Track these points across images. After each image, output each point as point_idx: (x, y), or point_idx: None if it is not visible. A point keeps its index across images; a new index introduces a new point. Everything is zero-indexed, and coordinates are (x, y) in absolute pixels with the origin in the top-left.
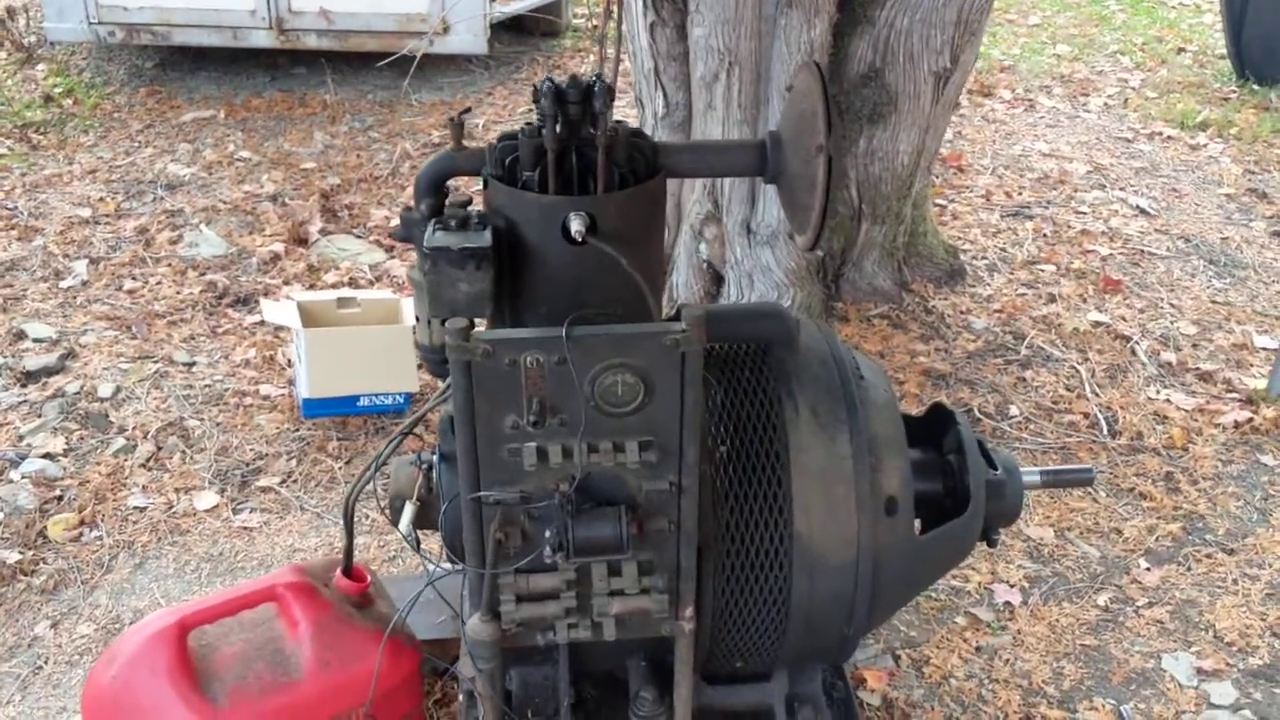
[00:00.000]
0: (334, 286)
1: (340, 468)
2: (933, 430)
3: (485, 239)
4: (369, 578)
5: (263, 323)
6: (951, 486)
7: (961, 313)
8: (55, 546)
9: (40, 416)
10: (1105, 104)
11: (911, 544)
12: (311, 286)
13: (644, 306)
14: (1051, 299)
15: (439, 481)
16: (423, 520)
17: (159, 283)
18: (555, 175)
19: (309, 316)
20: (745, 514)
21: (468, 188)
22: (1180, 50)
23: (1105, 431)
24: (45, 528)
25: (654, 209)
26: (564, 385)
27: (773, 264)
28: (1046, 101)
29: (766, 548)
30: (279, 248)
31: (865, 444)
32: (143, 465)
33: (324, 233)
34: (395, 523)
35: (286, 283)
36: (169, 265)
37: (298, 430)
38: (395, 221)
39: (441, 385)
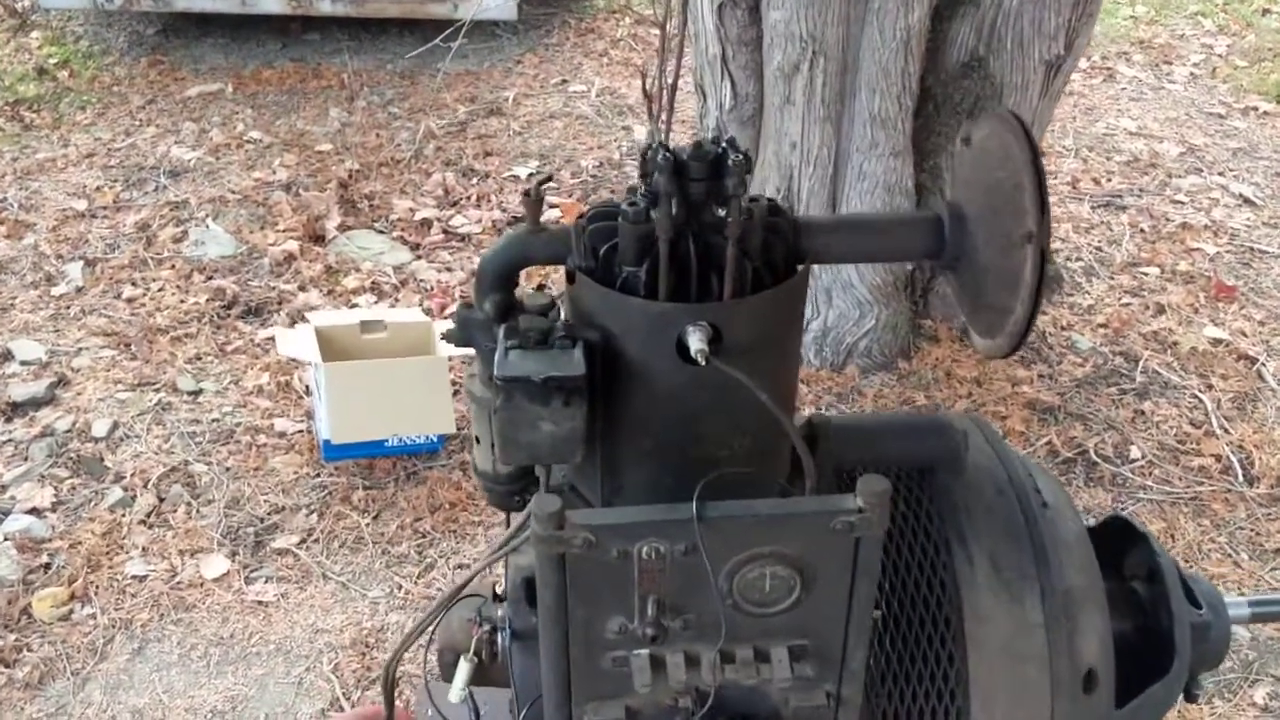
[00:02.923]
0: (354, 292)
1: (367, 524)
2: (1109, 544)
3: (576, 363)
4: None
5: (274, 339)
6: (1141, 624)
7: (1063, 328)
8: (41, 628)
9: (26, 460)
10: (1191, 74)
11: None
12: (330, 293)
13: (775, 442)
14: (1160, 310)
15: (508, 659)
16: (480, 679)
17: (161, 290)
18: (669, 273)
19: (329, 346)
20: (908, 701)
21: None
22: (1265, 12)
23: (1240, 478)
24: (30, 604)
25: (794, 313)
26: (690, 579)
27: (854, 278)
28: (1126, 70)
29: None
30: (293, 246)
31: (1060, 605)
32: (142, 522)
33: (343, 228)
34: (446, 677)
35: (302, 288)
36: (172, 268)
37: (318, 476)
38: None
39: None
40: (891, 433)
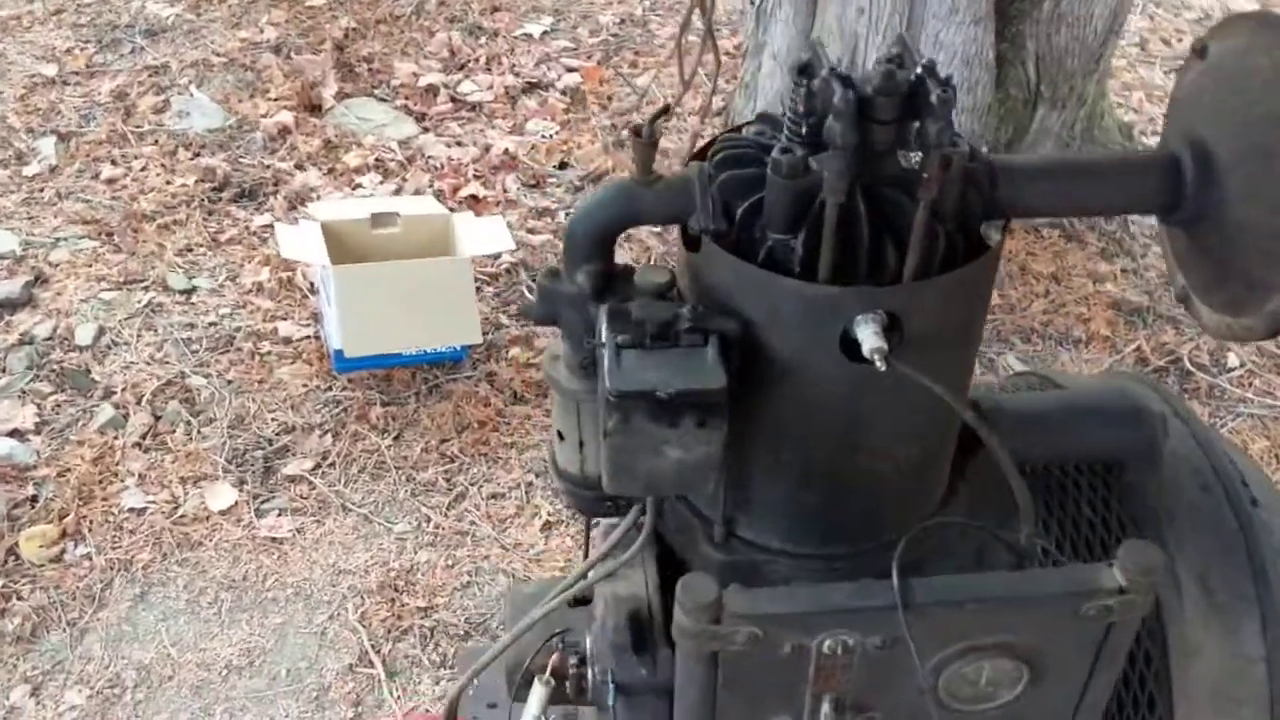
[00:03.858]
0: (357, 171)
1: (388, 446)
2: None
3: (714, 372)
4: None
5: (273, 225)
6: None
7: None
8: (31, 571)
9: (4, 373)
10: None
11: None
12: (330, 172)
13: (944, 448)
14: None
15: (608, 712)
16: (558, 698)
17: (144, 169)
18: (833, 245)
19: (337, 244)
20: None
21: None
22: None
23: None
24: (17, 544)
25: (987, 289)
26: (881, 675)
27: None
28: None
29: None
30: (287, 118)
31: None
32: (137, 444)
33: (340, 96)
34: (515, 696)
35: (299, 166)
36: (155, 143)
37: (329, 389)
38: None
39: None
40: (1075, 419)
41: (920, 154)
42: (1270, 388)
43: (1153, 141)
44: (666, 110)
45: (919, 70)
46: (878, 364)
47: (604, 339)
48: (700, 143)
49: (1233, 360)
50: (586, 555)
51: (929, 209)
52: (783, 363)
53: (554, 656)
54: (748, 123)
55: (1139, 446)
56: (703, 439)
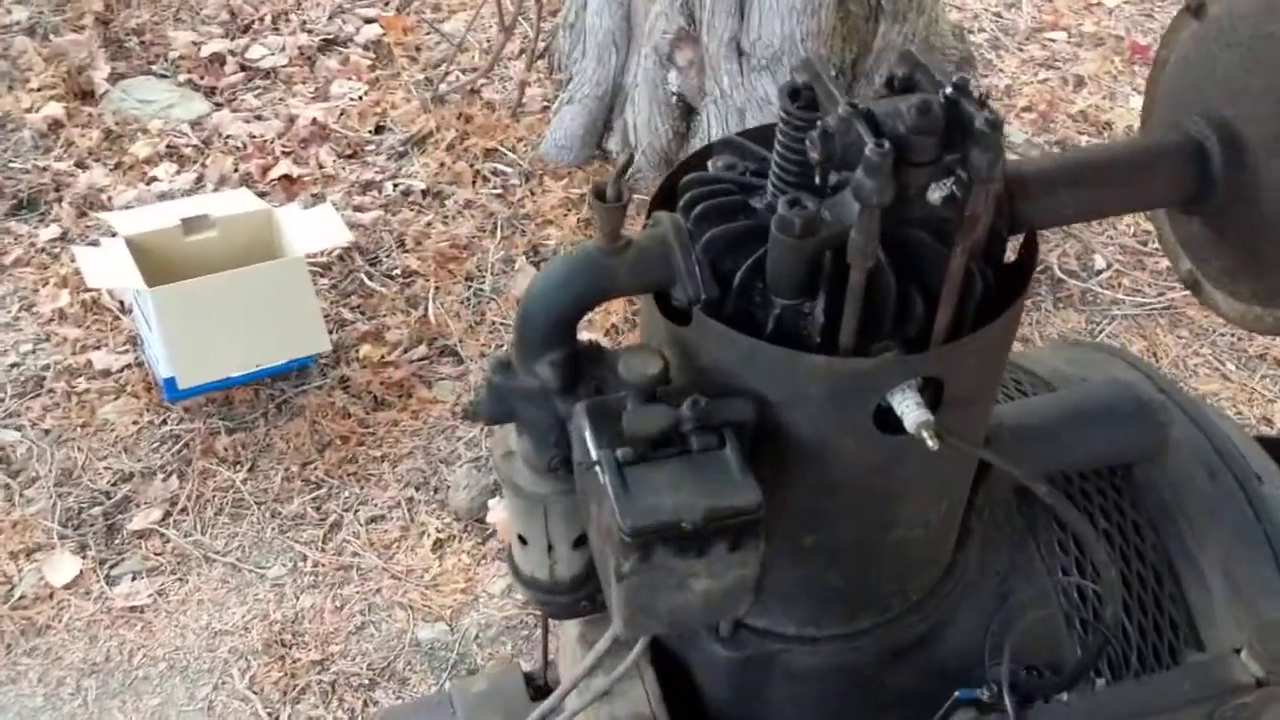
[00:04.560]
0: (148, 162)
1: (243, 479)
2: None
3: (744, 484)
4: None
5: (64, 238)
6: None
7: None
8: None
9: None
10: None
11: None
12: (118, 167)
13: (963, 499)
14: (1080, 82)
15: None
16: None
17: None
18: (857, 312)
19: (147, 260)
20: None
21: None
22: None
23: None
24: None
25: (1016, 326)
26: None
27: (773, 94)
28: None
29: None
30: (56, 109)
31: None
32: None
33: (114, 78)
34: None
35: (81, 164)
36: None
37: (164, 423)
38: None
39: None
40: (1079, 424)
41: (952, 184)
42: (1138, 285)
43: (981, 39)
44: (631, 162)
45: (948, 91)
46: (929, 443)
47: (595, 455)
48: (525, 88)
49: (1100, 262)
50: (545, 661)
51: (967, 254)
52: (805, 443)
53: None
54: (703, 150)
55: (1147, 444)
56: (736, 563)
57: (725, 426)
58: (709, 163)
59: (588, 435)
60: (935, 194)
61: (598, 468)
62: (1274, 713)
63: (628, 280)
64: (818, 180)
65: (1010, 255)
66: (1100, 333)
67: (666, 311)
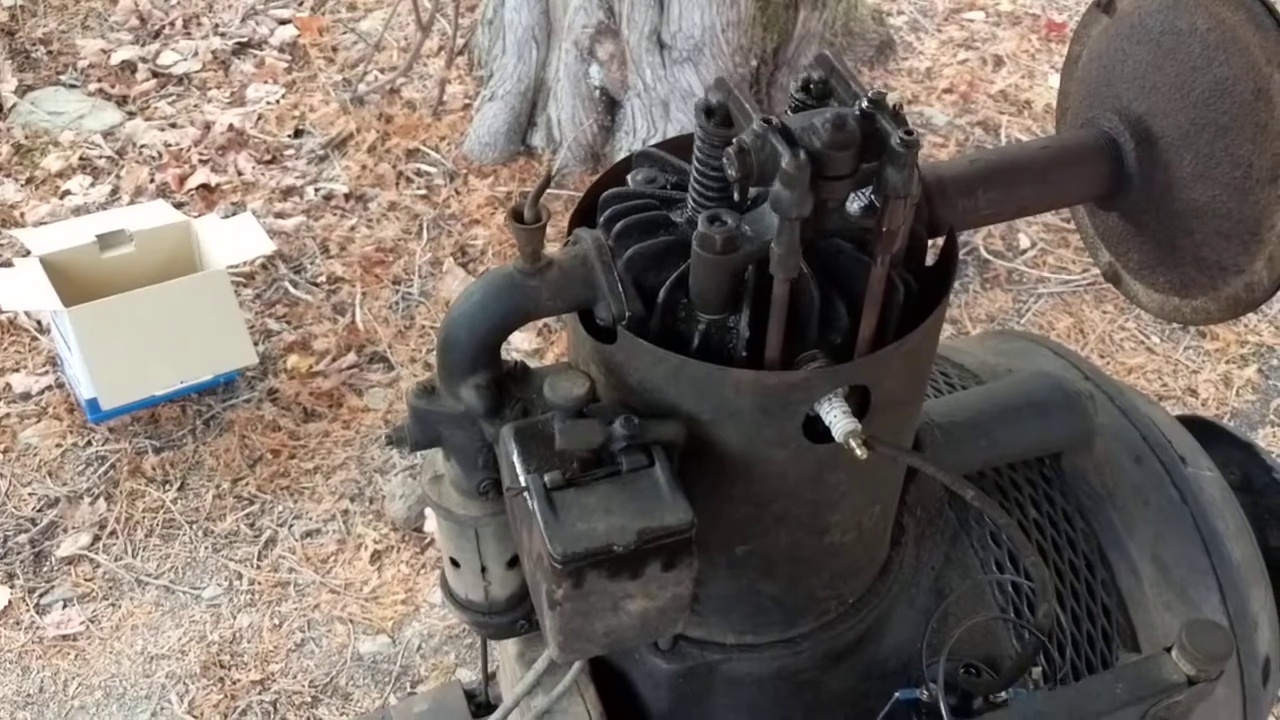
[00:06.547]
0: (60, 175)
1: (173, 499)
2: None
3: (675, 503)
4: None
5: None
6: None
7: (909, 101)
8: None
9: None
10: None
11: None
12: (29, 183)
13: (897, 496)
14: (999, 62)
15: None
16: None
17: None
18: (783, 323)
19: (63, 279)
20: None
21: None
22: None
23: None
24: None
25: (939, 328)
26: None
27: (696, 86)
28: None
29: None
30: None
31: (1242, 600)
32: None
33: (22, 90)
34: None
35: None
36: None
37: (89, 444)
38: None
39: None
40: (1009, 418)
41: (870, 194)
42: (1063, 263)
43: (900, 22)
44: (549, 181)
45: (864, 105)
46: (858, 452)
47: (523, 480)
48: (446, 86)
49: (1024, 241)
50: (485, 678)
51: (888, 264)
52: (736, 456)
53: None
54: (621, 164)
55: (1075, 433)
56: (670, 581)
57: (654, 445)
58: (629, 176)
59: (515, 460)
60: (854, 204)
61: (525, 494)
62: (1204, 708)
63: (550, 301)
64: (736, 196)
65: (931, 257)
66: (1028, 311)
67: (591, 330)
